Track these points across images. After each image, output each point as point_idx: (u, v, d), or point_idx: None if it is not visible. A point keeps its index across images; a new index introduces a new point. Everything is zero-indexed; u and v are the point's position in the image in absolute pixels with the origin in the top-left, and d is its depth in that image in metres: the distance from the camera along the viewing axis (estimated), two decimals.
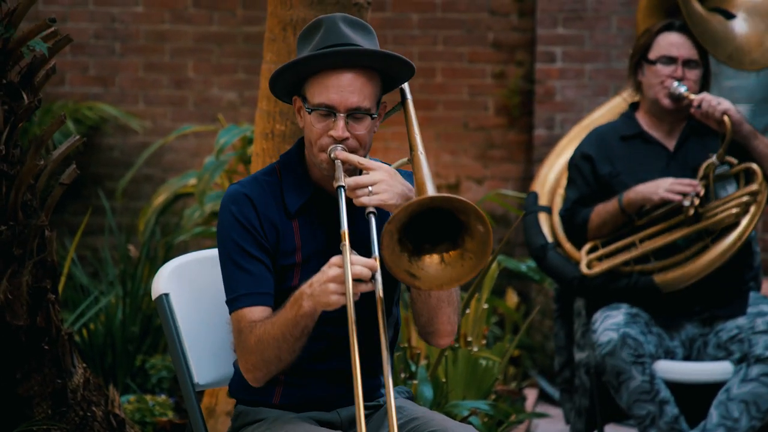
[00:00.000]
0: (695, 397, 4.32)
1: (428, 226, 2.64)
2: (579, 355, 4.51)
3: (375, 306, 2.71)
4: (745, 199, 4.32)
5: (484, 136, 6.91)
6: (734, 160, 4.37)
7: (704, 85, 4.43)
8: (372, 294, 2.68)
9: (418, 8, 6.91)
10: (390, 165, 2.86)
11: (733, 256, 4.35)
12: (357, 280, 2.64)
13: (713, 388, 4.29)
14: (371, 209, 2.73)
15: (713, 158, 4.34)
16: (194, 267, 3.17)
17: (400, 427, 2.77)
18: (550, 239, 4.69)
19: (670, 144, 4.45)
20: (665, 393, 4.25)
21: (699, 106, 4.33)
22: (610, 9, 6.65)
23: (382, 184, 2.75)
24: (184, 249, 6.11)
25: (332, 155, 2.80)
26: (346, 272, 2.63)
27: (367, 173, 2.77)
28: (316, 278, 2.69)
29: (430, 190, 2.67)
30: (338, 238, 2.69)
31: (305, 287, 2.71)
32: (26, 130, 5.88)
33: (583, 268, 4.40)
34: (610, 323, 4.27)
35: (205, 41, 6.99)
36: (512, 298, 6.47)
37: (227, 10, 6.98)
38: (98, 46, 7.03)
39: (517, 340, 4.48)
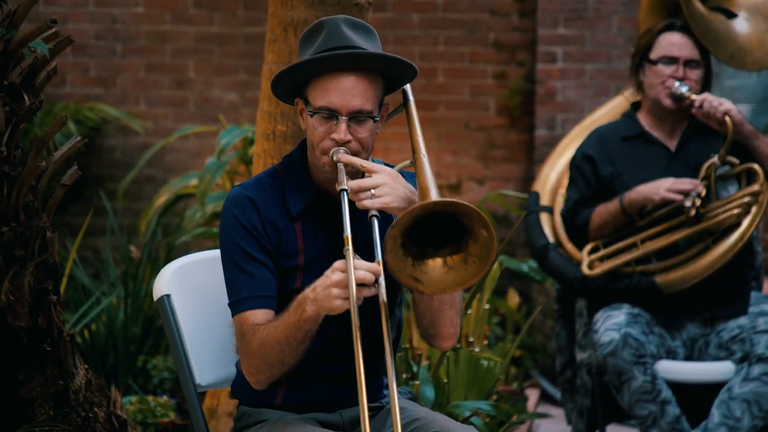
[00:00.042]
0: (697, 397, 4.31)
1: (432, 229, 2.64)
2: (580, 356, 4.50)
3: (378, 308, 2.70)
4: (746, 199, 4.32)
5: (486, 136, 6.91)
6: (736, 161, 4.36)
7: (706, 85, 4.43)
8: (375, 296, 2.68)
9: (418, 8, 6.91)
10: (393, 166, 2.86)
11: (735, 256, 4.35)
12: (360, 285, 2.63)
13: (715, 388, 4.29)
14: (374, 212, 2.73)
15: (714, 158, 4.34)
16: (196, 268, 3.17)
17: (402, 428, 2.77)
18: (551, 239, 4.69)
19: (672, 144, 4.45)
20: (667, 393, 4.25)
21: (700, 106, 4.33)
22: (611, 9, 6.65)
23: (384, 187, 2.74)
24: (186, 250, 6.12)
25: (334, 158, 2.79)
26: (350, 277, 2.62)
27: (370, 176, 2.77)
28: (320, 282, 2.69)
29: (434, 194, 2.67)
30: (341, 241, 2.69)
31: (308, 291, 2.70)
32: (27, 132, 5.88)
33: (585, 269, 4.40)
34: (612, 323, 4.27)
35: (206, 42, 6.99)
36: (514, 299, 6.47)
37: (228, 10, 6.98)
38: (99, 47, 7.03)
39: (518, 340, 4.47)
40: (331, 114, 2.81)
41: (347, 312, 2.65)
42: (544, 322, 6.44)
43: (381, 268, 2.66)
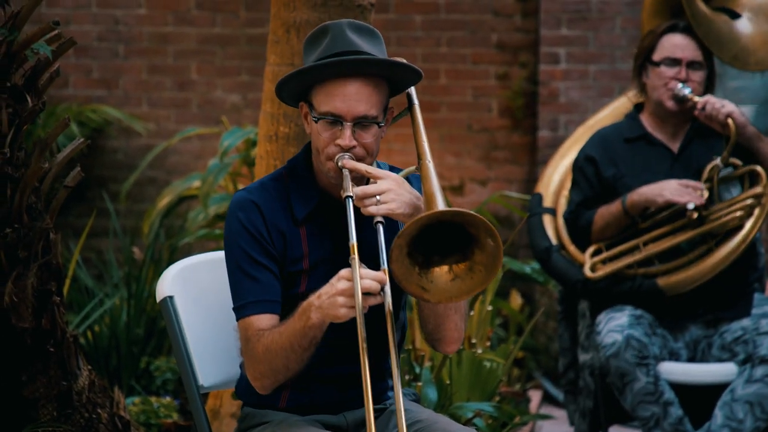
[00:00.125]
0: (699, 399, 4.31)
1: (438, 238, 2.63)
2: (583, 357, 4.50)
3: (382, 312, 2.70)
4: (749, 201, 4.32)
5: (488, 137, 6.91)
6: (738, 163, 4.36)
7: (709, 87, 4.42)
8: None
9: (421, 10, 6.91)
10: (399, 170, 2.85)
11: (738, 258, 4.34)
12: (366, 294, 2.63)
13: (717, 389, 4.29)
14: (379, 219, 2.72)
15: (717, 161, 4.34)
16: (198, 269, 3.17)
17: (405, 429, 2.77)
18: (554, 241, 4.68)
19: (674, 146, 4.45)
20: (669, 394, 4.25)
21: (703, 108, 4.33)
22: (614, 10, 6.65)
23: (389, 193, 2.73)
24: (189, 251, 6.12)
25: (339, 164, 2.79)
26: (356, 286, 2.62)
27: (375, 182, 2.75)
28: (325, 290, 2.68)
29: (440, 203, 2.65)
30: (346, 245, 2.68)
31: (314, 298, 2.70)
32: (30, 133, 5.88)
33: (587, 272, 4.40)
34: (615, 325, 4.27)
35: (209, 43, 6.99)
36: (516, 300, 6.46)
37: (230, 12, 6.98)
38: (101, 48, 7.03)
39: (521, 341, 4.47)
40: (335, 120, 2.80)
41: (354, 317, 2.65)
42: (547, 323, 6.44)
43: (387, 276, 2.65)
